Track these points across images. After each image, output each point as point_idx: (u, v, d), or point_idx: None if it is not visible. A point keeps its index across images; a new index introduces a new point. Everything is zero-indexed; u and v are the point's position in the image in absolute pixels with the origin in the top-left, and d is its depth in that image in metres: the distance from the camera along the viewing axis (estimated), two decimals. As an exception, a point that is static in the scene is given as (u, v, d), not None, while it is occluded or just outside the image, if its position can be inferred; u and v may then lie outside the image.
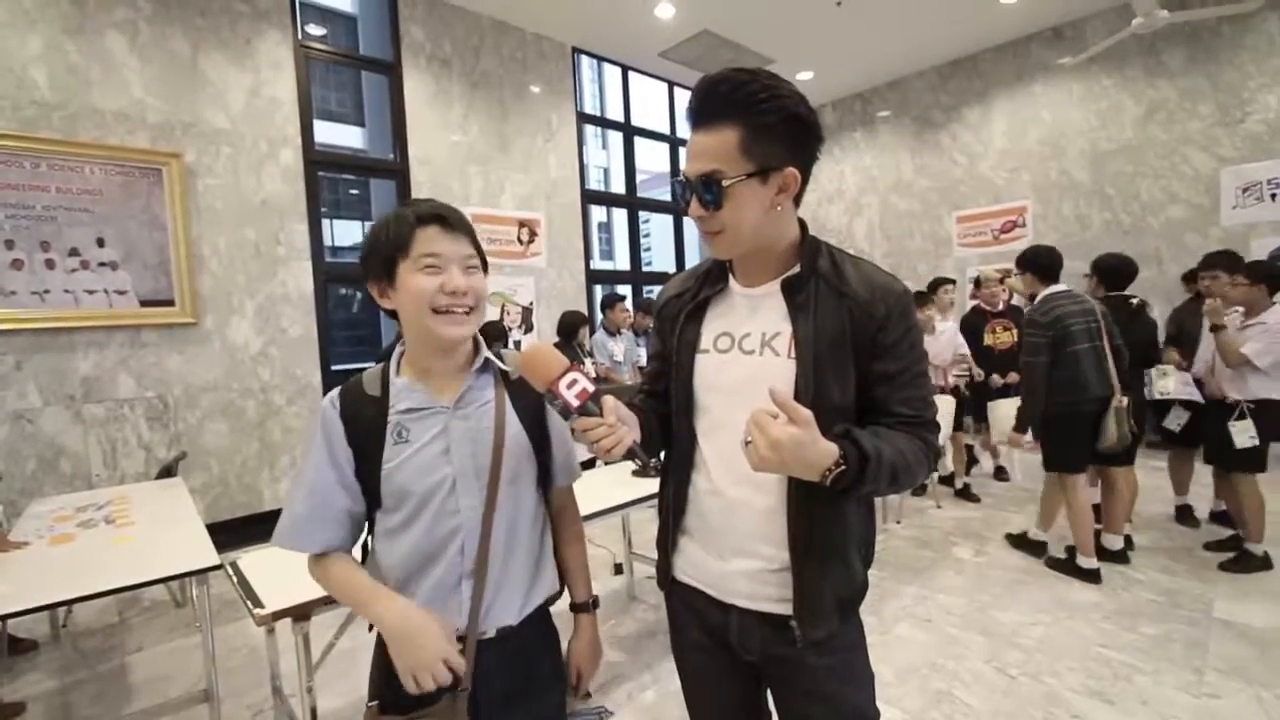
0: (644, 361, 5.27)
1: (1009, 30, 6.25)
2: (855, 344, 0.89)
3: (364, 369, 1.08)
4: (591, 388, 0.86)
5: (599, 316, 5.73)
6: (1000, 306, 4.47)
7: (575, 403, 0.84)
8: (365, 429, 0.99)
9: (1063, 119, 6.20)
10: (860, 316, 0.89)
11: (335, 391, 1.03)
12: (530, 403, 1.07)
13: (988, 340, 4.35)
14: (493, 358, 1.06)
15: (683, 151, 7.50)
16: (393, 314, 1.00)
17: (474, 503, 0.98)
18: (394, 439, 0.97)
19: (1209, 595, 2.77)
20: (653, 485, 2.45)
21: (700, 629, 1.04)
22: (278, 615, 1.53)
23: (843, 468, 0.79)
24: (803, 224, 0.97)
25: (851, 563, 0.96)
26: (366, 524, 1.04)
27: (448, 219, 0.96)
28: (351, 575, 0.99)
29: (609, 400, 0.86)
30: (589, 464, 2.90)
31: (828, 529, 0.93)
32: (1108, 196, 5.98)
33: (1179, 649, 2.37)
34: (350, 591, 0.98)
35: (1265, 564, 2.97)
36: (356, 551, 1.07)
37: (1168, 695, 2.11)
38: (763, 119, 0.83)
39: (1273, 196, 5.16)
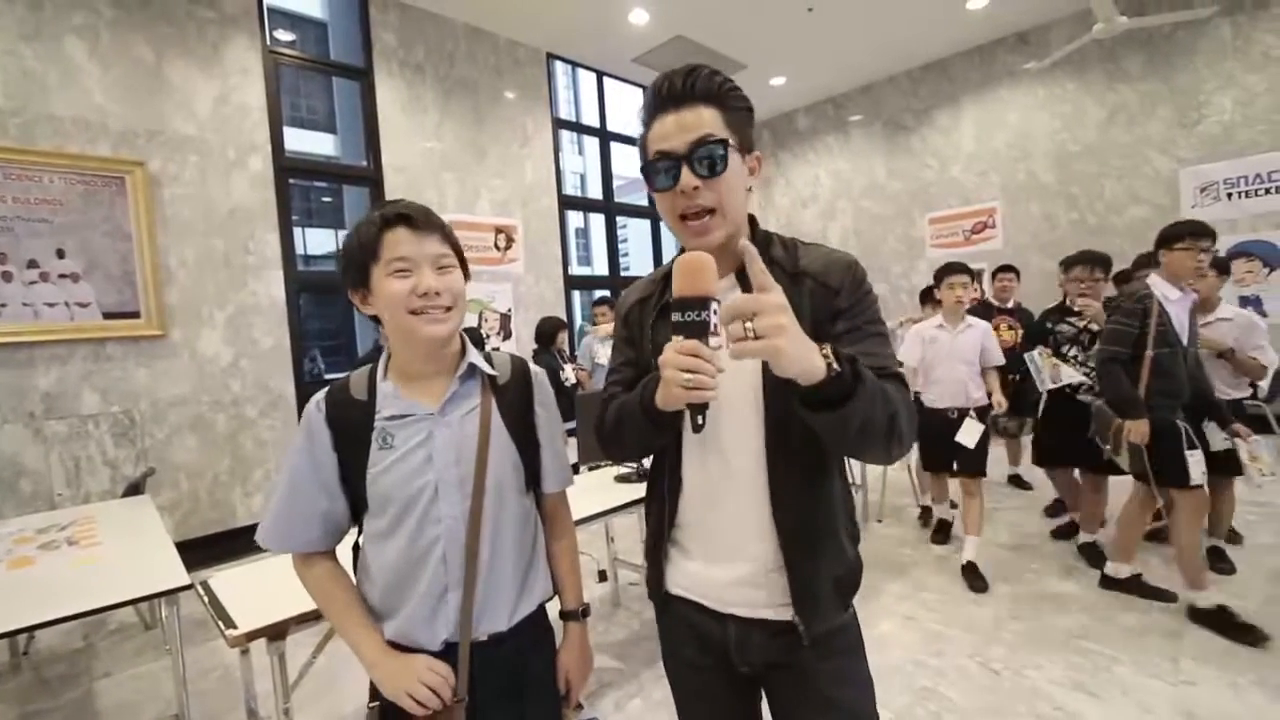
0: None
1: (976, 36, 6.40)
2: (815, 320, 0.87)
3: (338, 379, 1.06)
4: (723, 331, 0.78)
5: (579, 322, 5.71)
6: (1010, 303, 4.34)
7: (714, 328, 0.75)
8: (351, 433, 0.98)
9: (1029, 122, 6.35)
10: (816, 291, 0.89)
11: (322, 393, 1.03)
12: (518, 408, 1.06)
13: None
14: (479, 362, 1.04)
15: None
16: (377, 319, 1.00)
17: (455, 513, 0.97)
18: (379, 444, 0.97)
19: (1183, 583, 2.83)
20: (635, 491, 2.46)
21: (696, 643, 1.00)
22: (251, 635, 1.48)
23: (833, 361, 0.71)
24: (752, 218, 0.97)
25: (842, 541, 0.94)
26: (356, 526, 1.04)
27: (413, 218, 0.94)
28: (333, 588, 1.02)
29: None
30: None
31: (813, 509, 0.91)
32: (1073, 196, 6.13)
33: (1156, 639, 2.42)
34: (329, 606, 1.02)
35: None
36: (348, 552, 1.07)
37: (1146, 684, 2.15)
38: (733, 104, 0.89)
39: (1229, 196, 5.34)
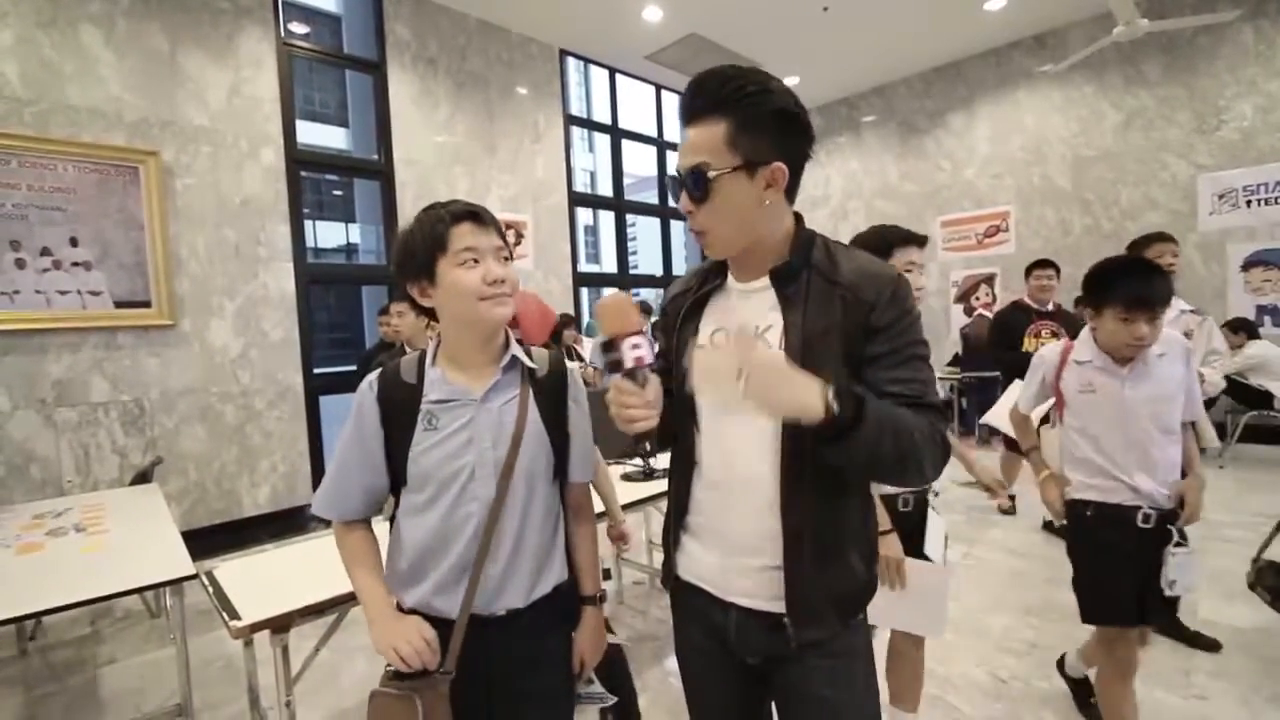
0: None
1: (992, 38, 6.34)
2: (847, 333, 0.87)
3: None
4: (650, 358, 0.87)
5: (585, 319, 5.70)
6: (1050, 305, 3.69)
7: (630, 363, 0.85)
8: (398, 413, 1.06)
9: (1044, 125, 6.29)
10: (852, 303, 0.87)
11: (374, 374, 1.11)
12: (553, 400, 1.13)
13: (1028, 345, 3.57)
14: (521, 355, 1.11)
15: (670, 154, 7.45)
16: (430, 312, 1.08)
17: (490, 493, 1.03)
18: (424, 425, 1.04)
19: (1194, 597, 2.79)
20: (640, 489, 2.44)
21: (701, 630, 1.03)
22: (255, 627, 1.48)
23: (835, 399, 0.75)
24: (798, 218, 0.97)
25: (849, 560, 0.94)
26: (393, 500, 1.12)
27: (480, 215, 1.03)
28: (360, 550, 1.10)
29: (655, 380, 0.88)
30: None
31: (822, 524, 0.91)
32: (1088, 202, 6.07)
33: (1167, 652, 2.38)
34: (352, 565, 1.09)
35: None
36: (385, 525, 1.14)
37: (1157, 698, 2.12)
38: (751, 111, 0.85)
39: (1248, 203, 5.27)
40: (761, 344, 0.77)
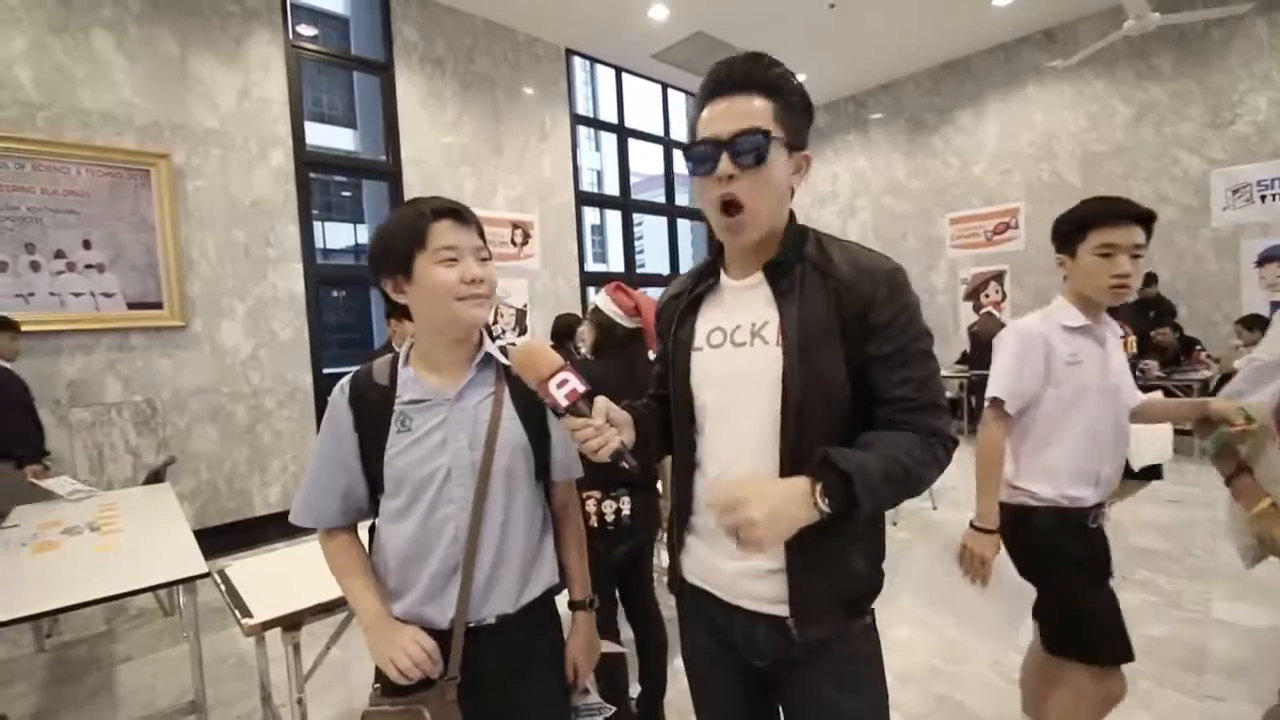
0: None
1: (1001, 33, 6.29)
2: (844, 327, 0.86)
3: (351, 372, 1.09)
4: (582, 388, 0.88)
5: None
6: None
7: (564, 402, 0.87)
8: (371, 416, 1.03)
9: (1054, 121, 6.24)
10: (847, 298, 0.86)
11: (347, 378, 1.09)
12: (531, 398, 1.09)
13: None
14: (495, 352, 1.09)
15: (677, 154, 7.39)
16: (402, 309, 1.04)
17: (467, 494, 1.00)
18: (397, 427, 1.02)
19: (1207, 595, 2.77)
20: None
21: (707, 633, 1.02)
22: (266, 625, 1.50)
23: (824, 499, 0.77)
24: (790, 213, 0.96)
25: (852, 563, 0.92)
26: (373, 506, 1.08)
27: (460, 213, 1.01)
28: (346, 556, 1.07)
29: (600, 401, 0.88)
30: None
31: (822, 530, 0.87)
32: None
33: (1179, 651, 2.36)
34: (341, 573, 1.06)
35: None
36: (365, 532, 1.11)
37: (1169, 698, 2.10)
38: (793, 98, 0.87)
39: (1262, 198, 5.21)
40: (743, 503, 0.74)
